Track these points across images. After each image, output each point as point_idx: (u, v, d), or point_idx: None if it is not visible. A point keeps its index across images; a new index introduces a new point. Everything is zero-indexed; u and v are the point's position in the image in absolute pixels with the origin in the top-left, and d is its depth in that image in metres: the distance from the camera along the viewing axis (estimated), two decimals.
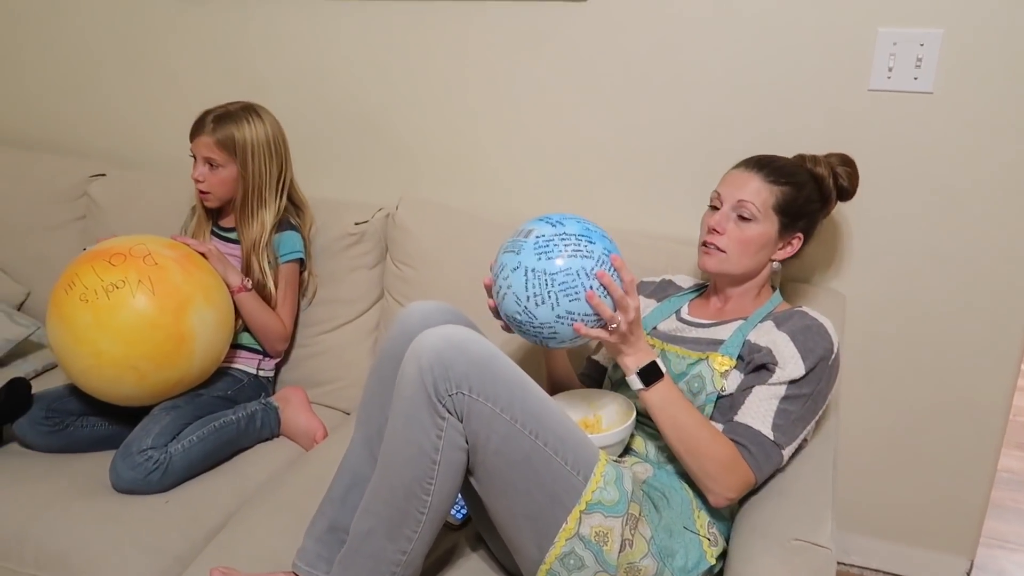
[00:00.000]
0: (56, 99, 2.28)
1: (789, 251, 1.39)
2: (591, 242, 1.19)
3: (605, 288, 1.17)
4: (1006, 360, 1.65)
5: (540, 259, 1.17)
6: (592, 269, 1.17)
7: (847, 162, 1.47)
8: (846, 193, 1.47)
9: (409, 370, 1.10)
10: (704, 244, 1.37)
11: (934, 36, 1.50)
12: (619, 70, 1.73)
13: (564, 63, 1.77)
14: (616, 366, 1.45)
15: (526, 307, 1.17)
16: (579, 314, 1.17)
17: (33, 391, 1.59)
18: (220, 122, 1.66)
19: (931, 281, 1.65)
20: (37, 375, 1.88)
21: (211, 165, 1.67)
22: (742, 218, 1.33)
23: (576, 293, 1.16)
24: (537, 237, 1.19)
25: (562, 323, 1.17)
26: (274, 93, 2.02)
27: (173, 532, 1.39)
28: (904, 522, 1.84)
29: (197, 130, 1.67)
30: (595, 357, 1.55)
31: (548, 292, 1.16)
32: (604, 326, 1.19)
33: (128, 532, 1.37)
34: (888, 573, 1.89)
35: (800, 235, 1.39)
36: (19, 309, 2.07)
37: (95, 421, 1.61)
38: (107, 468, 1.48)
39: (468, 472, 1.15)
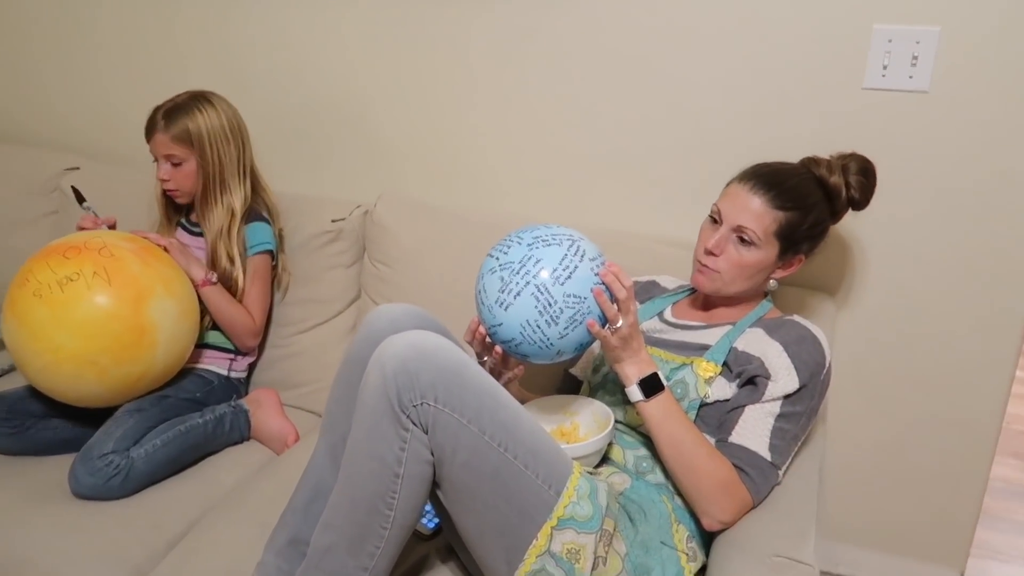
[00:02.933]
0: (35, 91, 2.22)
1: (790, 272, 1.33)
2: (587, 244, 1.17)
3: (608, 288, 1.13)
4: (1001, 368, 1.61)
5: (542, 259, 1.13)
6: (594, 270, 1.13)
7: (865, 170, 1.34)
8: (859, 205, 1.36)
9: (372, 379, 1.05)
10: (699, 262, 1.31)
11: (931, 34, 1.45)
12: (608, 68, 1.68)
13: (552, 59, 1.71)
14: (596, 369, 1.40)
15: (545, 307, 1.12)
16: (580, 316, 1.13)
17: None
18: (171, 116, 1.61)
19: (925, 287, 1.60)
20: (4, 373, 1.83)
21: (173, 162, 1.62)
22: (742, 241, 1.27)
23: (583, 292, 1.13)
24: (535, 238, 1.15)
25: (574, 325, 1.13)
26: (254, 85, 1.96)
27: (133, 541, 1.34)
28: (894, 532, 1.79)
29: (150, 129, 1.62)
30: (572, 371, 1.50)
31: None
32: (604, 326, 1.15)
33: (87, 541, 1.32)
34: None
35: (802, 256, 1.33)
36: None
37: (58, 423, 1.56)
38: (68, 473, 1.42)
39: (435, 485, 1.10)
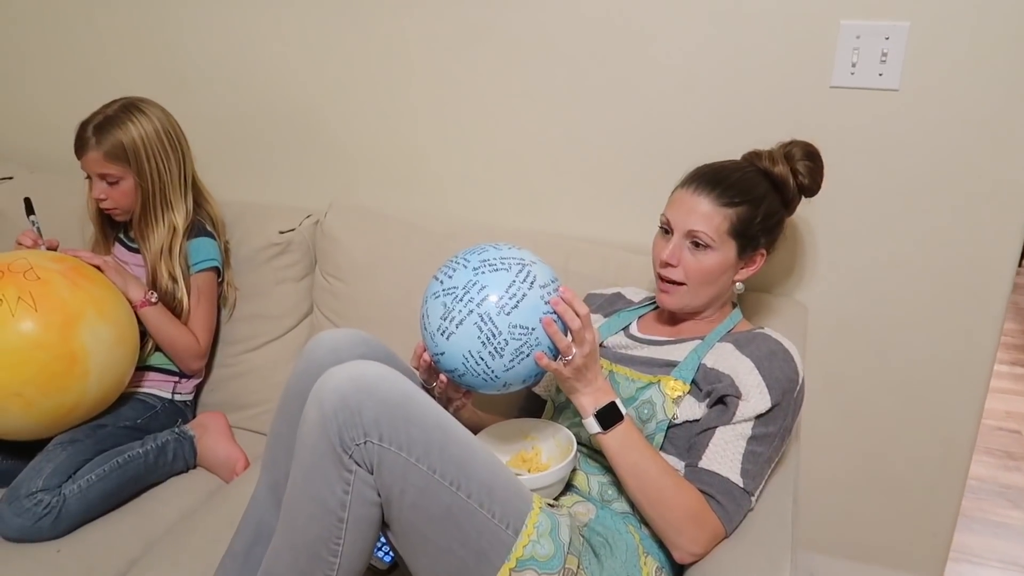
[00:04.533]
0: None
1: (753, 270, 1.27)
2: (540, 268, 1.09)
3: (560, 317, 1.06)
4: (976, 370, 1.56)
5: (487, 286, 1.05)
6: (544, 297, 1.06)
7: (809, 155, 1.31)
8: (810, 192, 1.32)
9: (311, 416, 0.97)
10: (660, 278, 1.25)
11: (900, 29, 1.39)
12: (568, 68, 1.60)
13: (510, 60, 1.63)
14: (560, 389, 1.33)
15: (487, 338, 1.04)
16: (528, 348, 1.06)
17: None
18: (102, 131, 1.49)
19: (897, 289, 1.55)
20: None
21: (109, 181, 1.51)
22: (697, 245, 1.21)
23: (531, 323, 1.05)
24: (481, 262, 1.07)
25: (520, 356, 1.05)
26: (192, 89, 1.86)
27: None
28: (871, 541, 1.75)
29: (81, 146, 1.51)
30: (535, 390, 1.43)
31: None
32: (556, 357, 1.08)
33: None
34: None
35: (763, 251, 1.27)
36: None
37: None
38: None
39: (385, 526, 1.02)
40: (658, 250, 1.25)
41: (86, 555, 1.30)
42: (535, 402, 1.42)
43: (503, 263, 1.06)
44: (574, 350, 1.07)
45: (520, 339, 1.03)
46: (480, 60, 1.65)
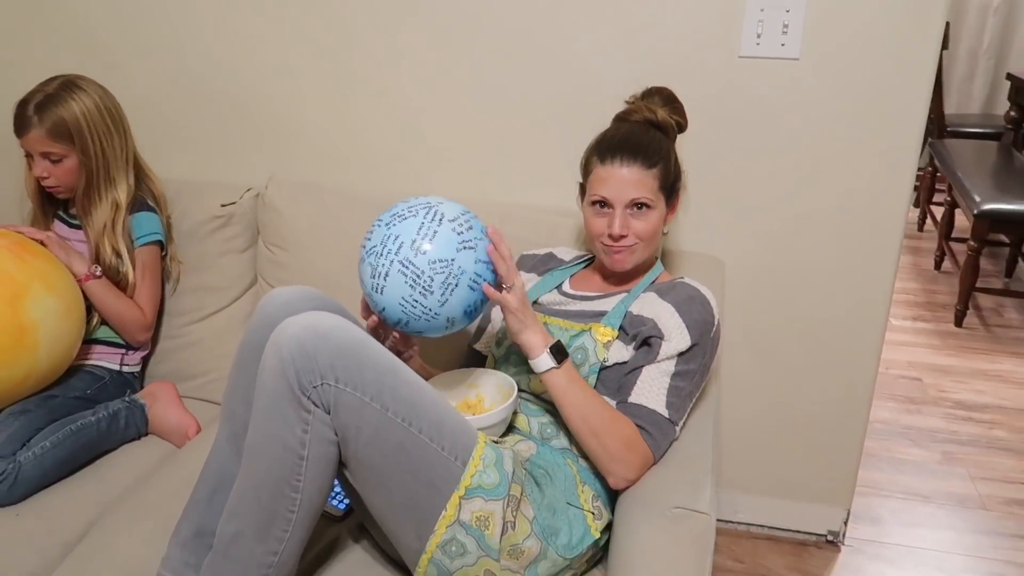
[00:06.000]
0: None
1: (675, 214, 1.40)
2: (447, 206, 1.18)
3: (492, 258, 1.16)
4: (874, 316, 1.72)
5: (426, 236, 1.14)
6: (456, 229, 1.14)
7: (670, 98, 1.42)
8: (683, 129, 1.43)
9: (270, 363, 1.04)
10: (610, 247, 1.33)
11: (799, 2, 1.52)
12: (490, 40, 1.68)
13: (440, 35, 1.70)
14: (499, 342, 1.42)
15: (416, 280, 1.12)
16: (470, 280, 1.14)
17: None
18: (43, 109, 1.50)
19: (804, 247, 1.69)
20: None
21: (52, 159, 1.53)
22: (639, 208, 1.30)
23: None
24: (392, 216, 1.15)
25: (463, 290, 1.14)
26: (129, 66, 1.87)
27: (25, 548, 1.28)
28: (785, 478, 1.90)
29: (22, 125, 1.51)
30: (476, 346, 1.52)
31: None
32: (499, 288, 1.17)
33: None
34: (772, 527, 1.96)
35: (679, 195, 1.39)
36: None
37: None
38: None
39: (341, 465, 1.10)
40: (600, 226, 1.32)
41: (46, 517, 1.34)
42: (477, 358, 1.52)
43: (411, 211, 1.15)
44: (514, 279, 1.16)
45: (443, 272, 1.12)
46: (411, 35, 1.71)
